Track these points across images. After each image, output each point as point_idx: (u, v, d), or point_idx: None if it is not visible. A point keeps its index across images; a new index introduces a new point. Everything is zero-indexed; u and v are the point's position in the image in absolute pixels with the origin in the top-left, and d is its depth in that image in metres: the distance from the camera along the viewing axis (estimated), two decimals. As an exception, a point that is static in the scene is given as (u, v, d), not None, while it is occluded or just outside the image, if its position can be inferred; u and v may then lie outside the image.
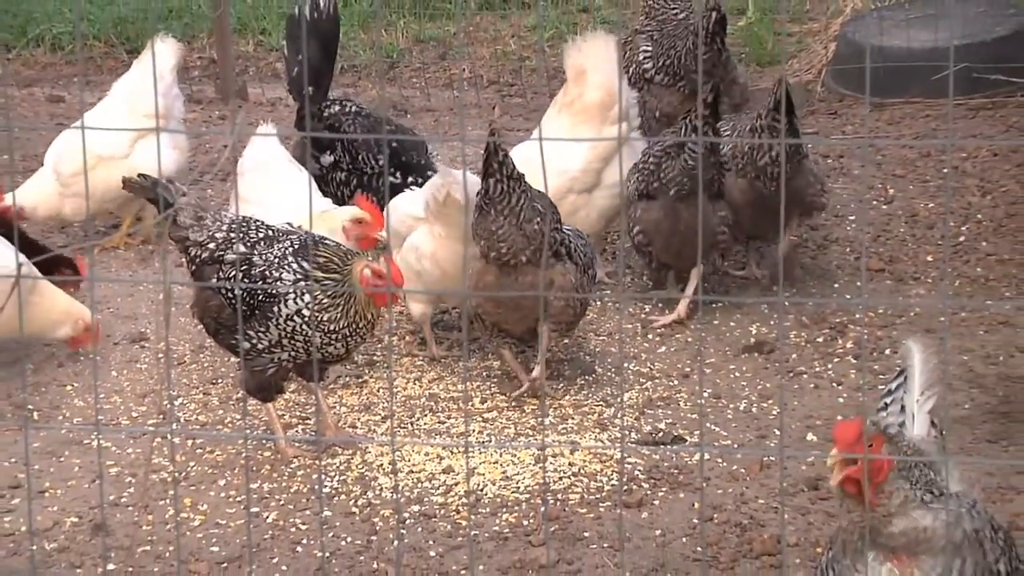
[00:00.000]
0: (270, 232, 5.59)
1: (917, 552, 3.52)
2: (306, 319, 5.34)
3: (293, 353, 5.45)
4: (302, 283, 5.36)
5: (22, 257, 5.87)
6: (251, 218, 5.69)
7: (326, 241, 5.58)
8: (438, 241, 6.11)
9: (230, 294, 5.44)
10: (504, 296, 5.79)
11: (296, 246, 5.47)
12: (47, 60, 9.86)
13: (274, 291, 5.39)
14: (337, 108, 7.10)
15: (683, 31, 7.28)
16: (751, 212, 6.70)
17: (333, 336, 5.40)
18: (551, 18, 9.14)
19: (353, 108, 7.17)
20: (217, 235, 5.58)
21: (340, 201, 6.94)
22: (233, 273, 5.47)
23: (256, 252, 5.50)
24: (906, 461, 3.54)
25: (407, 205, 6.30)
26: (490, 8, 10.49)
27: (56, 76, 9.59)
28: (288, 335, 5.41)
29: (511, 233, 5.78)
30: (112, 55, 10.00)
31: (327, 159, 7.00)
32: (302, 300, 5.35)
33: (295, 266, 5.42)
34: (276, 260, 5.45)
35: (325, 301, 5.35)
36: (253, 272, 5.45)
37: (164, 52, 7.27)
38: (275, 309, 5.39)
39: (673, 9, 7.38)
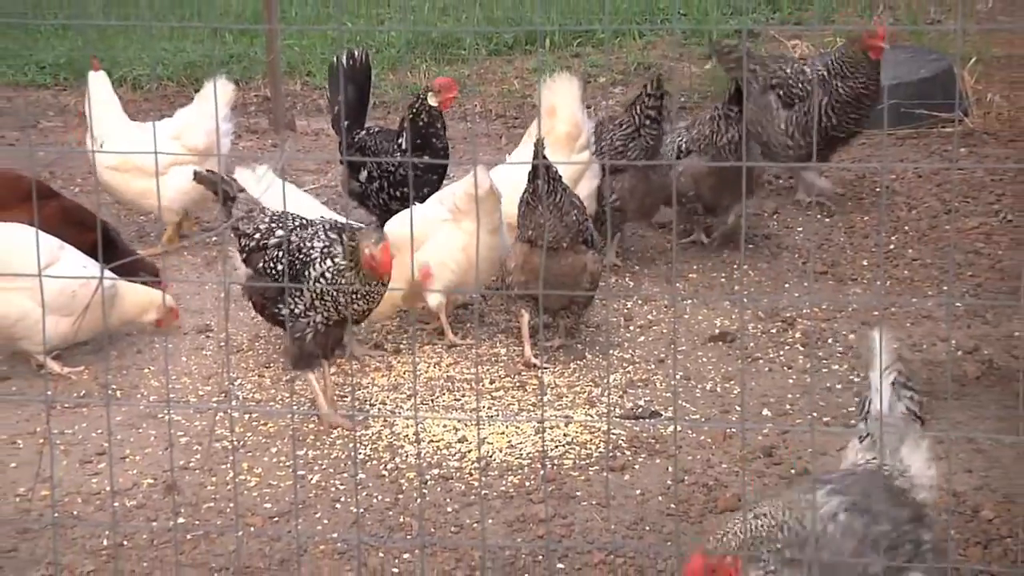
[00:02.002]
0: (304, 221, 5.61)
1: None
2: (331, 280, 5.35)
3: (325, 314, 5.43)
4: (328, 248, 5.38)
5: (95, 264, 5.93)
6: (289, 212, 5.71)
7: (350, 223, 5.59)
8: (468, 236, 6.09)
9: (275, 271, 5.50)
10: (547, 276, 5.91)
11: (327, 225, 5.50)
12: (129, 97, 9.84)
13: (307, 258, 5.41)
14: (363, 133, 7.11)
15: None
16: (710, 185, 7.12)
17: (353, 295, 5.40)
18: (549, 62, 9.12)
19: (376, 130, 7.18)
20: (261, 226, 5.66)
21: (383, 208, 6.92)
22: (276, 254, 5.52)
23: (294, 234, 5.53)
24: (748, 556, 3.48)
25: (430, 211, 6.29)
26: (498, 54, 10.48)
27: (136, 111, 9.57)
28: (319, 296, 5.40)
29: (555, 224, 5.91)
30: (183, 93, 9.99)
31: (363, 175, 7.00)
32: (326, 264, 5.36)
33: (323, 236, 5.44)
34: (310, 235, 5.48)
35: (342, 264, 5.36)
36: (291, 247, 5.49)
37: (221, 91, 7.25)
38: (307, 273, 5.39)
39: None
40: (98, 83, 7.51)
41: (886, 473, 3.76)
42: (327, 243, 5.42)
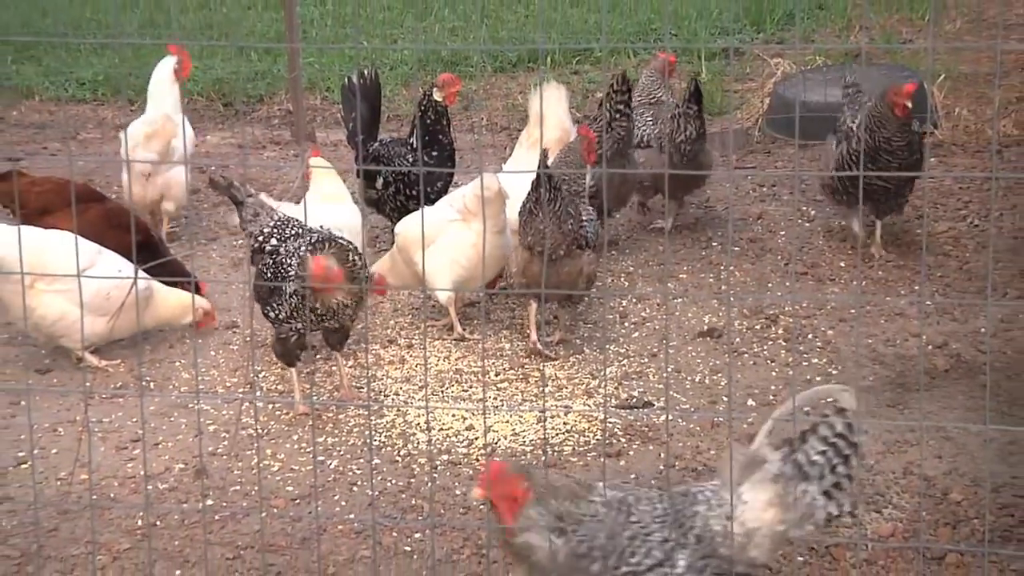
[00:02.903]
0: (300, 231, 5.57)
1: (528, 560, 3.51)
2: (301, 299, 5.35)
3: (300, 324, 5.43)
4: (301, 265, 5.35)
5: (130, 267, 5.91)
6: (292, 219, 5.69)
7: (338, 240, 5.51)
8: (477, 236, 6.07)
9: (266, 276, 5.50)
10: (547, 278, 5.92)
11: (312, 243, 5.44)
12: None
13: (285, 274, 5.42)
14: (377, 144, 7.09)
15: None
16: (658, 177, 7.20)
17: (323, 313, 5.38)
18: (549, 78, 9.10)
19: (388, 140, 7.17)
20: (264, 230, 5.66)
21: (400, 211, 6.90)
22: (268, 260, 5.54)
23: (284, 246, 5.52)
24: (543, 495, 3.47)
25: (440, 212, 6.28)
26: (502, 71, 10.47)
27: (168, 123, 9.57)
28: (294, 310, 5.40)
29: (553, 231, 5.87)
30: (211, 107, 9.98)
31: (379, 182, 6.99)
32: (299, 281, 5.35)
33: (303, 253, 5.41)
34: (294, 251, 5.47)
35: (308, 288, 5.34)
36: (277, 259, 5.50)
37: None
38: (283, 289, 5.39)
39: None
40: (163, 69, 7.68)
41: (698, 500, 3.56)
42: (302, 261, 5.39)
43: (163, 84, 7.67)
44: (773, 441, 3.60)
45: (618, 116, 6.92)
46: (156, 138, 7.41)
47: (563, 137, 6.82)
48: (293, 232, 5.59)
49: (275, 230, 5.64)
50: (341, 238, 5.55)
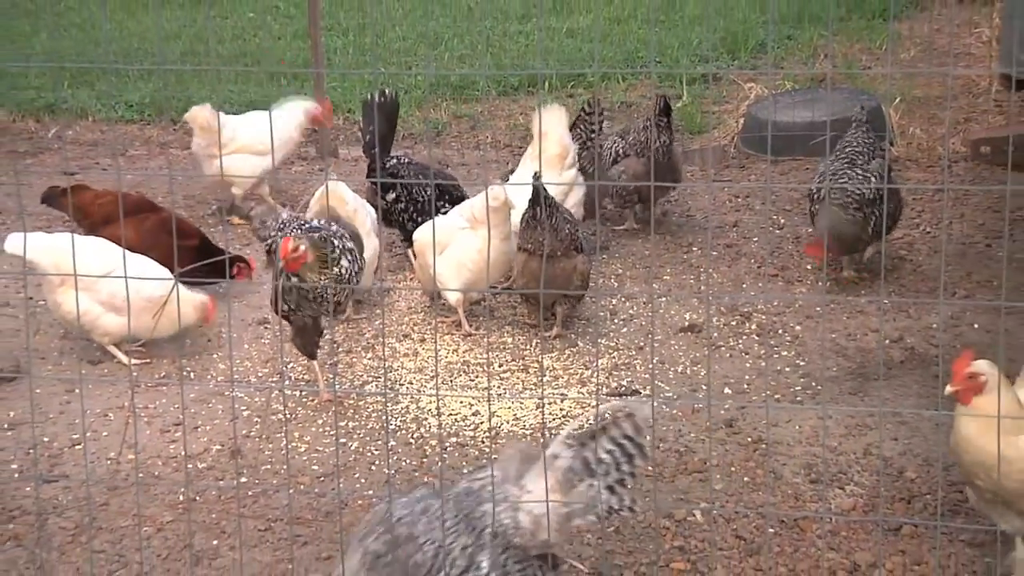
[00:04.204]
0: (303, 229, 5.52)
1: None
2: (299, 290, 5.31)
3: (307, 312, 5.40)
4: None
5: (164, 271, 5.89)
6: (298, 217, 5.70)
7: (327, 232, 5.47)
8: (483, 241, 6.07)
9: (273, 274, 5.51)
10: (542, 279, 5.91)
11: (315, 235, 5.41)
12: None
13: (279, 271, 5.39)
14: (395, 161, 7.06)
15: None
16: (644, 179, 7.25)
17: (315, 297, 5.34)
18: (548, 100, 9.08)
19: (406, 160, 7.14)
20: (272, 233, 5.70)
21: (401, 225, 6.90)
22: (271, 259, 5.58)
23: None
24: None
25: (450, 220, 6.27)
26: (505, 94, 10.46)
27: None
28: (297, 301, 5.35)
29: (551, 240, 5.91)
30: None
31: (390, 196, 6.96)
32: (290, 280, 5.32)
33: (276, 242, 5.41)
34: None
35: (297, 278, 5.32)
36: (274, 259, 5.50)
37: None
38: (283, 284, 5.33)
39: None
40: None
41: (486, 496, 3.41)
42: (275, 244, 5.39)
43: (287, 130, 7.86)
44: (569, 441, 3.52)
45: (592, 135, 7.13)
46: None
47: (563, 153, 6.82)
48: (293, 229, 5.54)
49: (279, 232, 5.62)
50: (335, 233, 5.50)
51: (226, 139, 7.67)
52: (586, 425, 3.56)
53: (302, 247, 5.26)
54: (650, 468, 4.89)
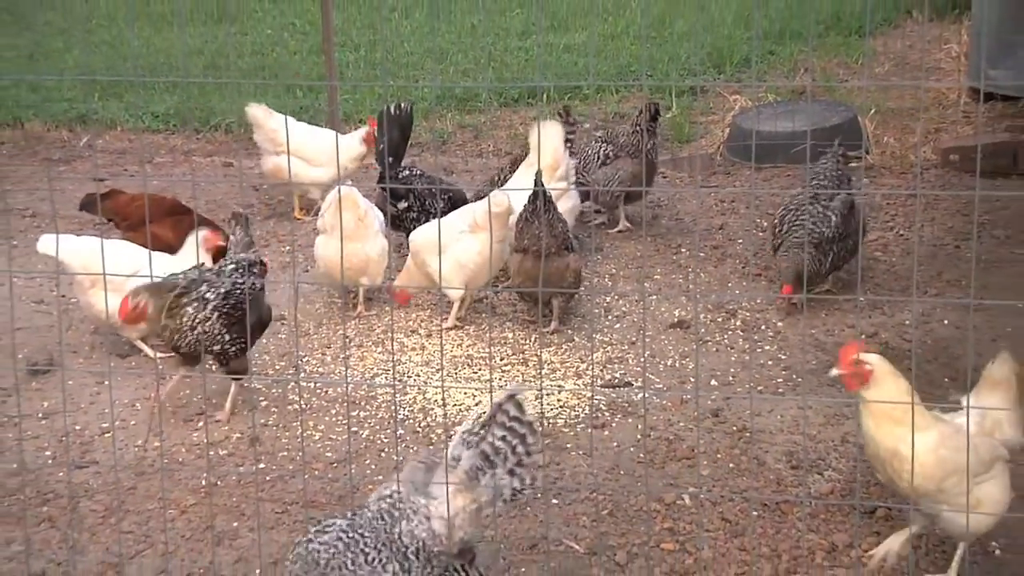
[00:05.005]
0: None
1: None
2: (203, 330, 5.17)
3: (213, 348, 5.22)
4: None
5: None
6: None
7: (173, 283, 5.25)
8: (483, 244, 6.07)
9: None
10: (537, 275, 5.89)
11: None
12: (222, 139, 9.83)
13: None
14: (407, 172, 7.04)
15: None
16: (635, 180, 7.32)
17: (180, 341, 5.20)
18: (546, 112, 9.07)
19: (417, 171, 7.12)
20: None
21: (409, 230, 6.87)
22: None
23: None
24: None
25: (454, 223, 6.27)
26: (506, 106, 10.45)
27: (227, 150, 9.57)
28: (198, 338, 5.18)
29: (546, 236, 5.90)
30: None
31: (402, 204, 6.94)
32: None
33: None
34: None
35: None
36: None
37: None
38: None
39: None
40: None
41: (396, 512, 3.36)
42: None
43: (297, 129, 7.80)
44: (466, 438, 3.49)
45: (570, 143, 7.09)
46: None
47: (554, 165, 6.77)
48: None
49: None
50: (191, 280, 5.20)
51: (280, 139, 7.67)
52: (477, 419, 3.51)
53: (141, 303, 5.12)
54: (641, 455, 4.89)
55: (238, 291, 5.17)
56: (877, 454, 3.86)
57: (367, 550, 3.26)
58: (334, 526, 3.32)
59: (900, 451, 3.74)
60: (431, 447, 3.53)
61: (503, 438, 3.46)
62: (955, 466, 3.74)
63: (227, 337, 5.18)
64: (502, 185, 6.98)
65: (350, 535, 3.29)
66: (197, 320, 5.14)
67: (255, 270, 5.29)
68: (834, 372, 3.95)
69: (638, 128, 7.40)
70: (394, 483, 3.43)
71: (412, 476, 3.43)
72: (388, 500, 3.40)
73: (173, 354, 5.37)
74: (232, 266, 5.25)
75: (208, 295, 5.18)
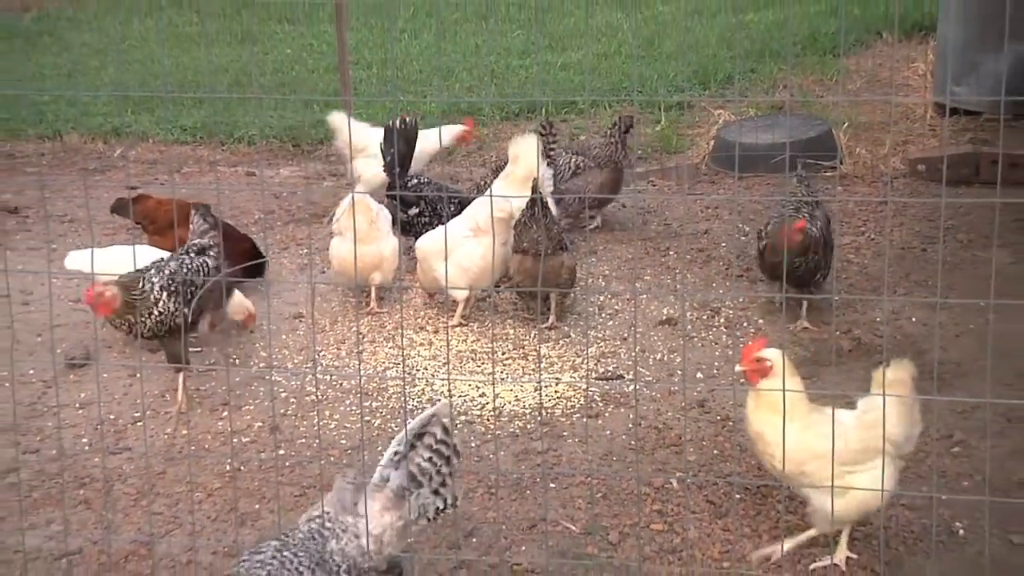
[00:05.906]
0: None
1: None
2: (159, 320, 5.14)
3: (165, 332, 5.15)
4: None
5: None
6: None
7: (143, 273, 5.16)
8: (486, 247, 6.06)
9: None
10: (537, 273, 5.91)
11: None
12: (245, 150, 9.81)
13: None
14: (416, 181, 7.03)
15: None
16: (608, 187, 7.42)
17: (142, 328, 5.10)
18: (537, 128, 9.08)
19: (425, 180, 7.11)
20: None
21: (419, 235, 6.85)
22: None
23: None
24: None
25: (459, 228, 6.26)
26: (508, 119, 10.43)
27: (250, 160, 9.55)
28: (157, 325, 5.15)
29: (544, 238, 5.91)
30: (283, 148, 9.95)
31: (413, 211, 6.93)
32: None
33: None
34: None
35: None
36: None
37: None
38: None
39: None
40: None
41: (325, 533, 3.26)
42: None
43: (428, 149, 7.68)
44: (395, 459, 3.43)
45: (551, 154, 7.12)
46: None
47: (528, 176, 6.60)
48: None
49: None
50: (161, 272, 5.10)
51: (361, 144, 7.65)
52: (403, 439, 3.45)
53: (108, 293, 4.97)
54: (632, 443, 4.88)
55: (184, 269, 5.13)
56: (750, 436, 3.93)
57: (301, 569, 3.16)
58: (268, 547, 3.21)
59: (765, 434, 3.86)
60: (356, 469, 3.48)
61: (429, 459, 3.40)
62: (817, 452, 3.76)
63: (187, 313, 5.11)
64: (485, 191, 6.97)
65: (284, 554, 3.18)
66: (151, 303, 5.06)
67: (210, 252, 5.31)
68: (738, 368, 3.95)
69: (612, 140, 7.45)
70: (322, 505, 3.37)
71: (341, 496, 3.38)
72: (318, 520, 3.32)
73: (167, 361, 5.32)
74: (183, 250, 5.30)
75: (154, 278, 5.10)
